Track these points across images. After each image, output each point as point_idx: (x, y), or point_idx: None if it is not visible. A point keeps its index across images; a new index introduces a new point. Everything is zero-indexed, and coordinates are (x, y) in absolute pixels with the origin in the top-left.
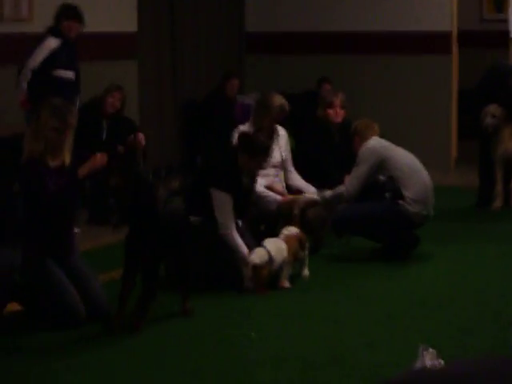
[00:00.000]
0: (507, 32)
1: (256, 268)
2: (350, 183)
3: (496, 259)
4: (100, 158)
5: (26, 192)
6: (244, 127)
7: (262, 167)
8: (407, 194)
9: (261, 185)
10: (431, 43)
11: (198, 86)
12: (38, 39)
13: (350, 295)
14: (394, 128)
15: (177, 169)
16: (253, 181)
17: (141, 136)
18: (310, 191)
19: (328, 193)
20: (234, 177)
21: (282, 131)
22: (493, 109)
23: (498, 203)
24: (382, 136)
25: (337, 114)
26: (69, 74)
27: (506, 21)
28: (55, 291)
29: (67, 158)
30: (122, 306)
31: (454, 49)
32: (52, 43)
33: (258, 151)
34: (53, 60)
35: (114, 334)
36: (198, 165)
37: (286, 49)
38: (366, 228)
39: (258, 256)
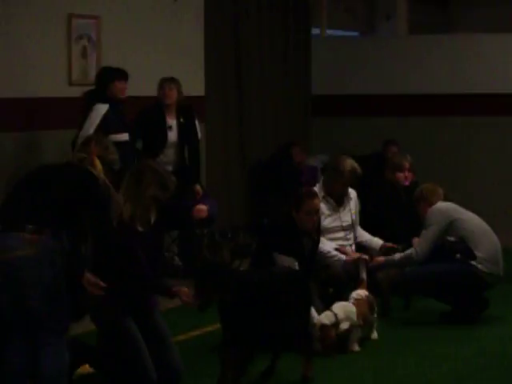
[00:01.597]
0: None
1: (323, 329)
2: (419, 246)
3: None
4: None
5: (116, 255)
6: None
7: (314, 221)
8: (479, 254)
9: (330, 247)
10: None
11: (265, 148)
12: (84, 106)
13: (418, 359)
14: (461, 188)
15: (243, 229)
16: (314, 241)
17: (200, 208)
18: (377, 244)
19: (397, 255)
20: (293, 239)
21: (352, 193)
22: None
23: None
24: (445, 199)
25: (406, 178)
26: (123, 137)
27: None
28: (130, 355)
29: (153, 219)
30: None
31: None
32: (102, 109)
33: (302, 199)
34: (105, 126)
35: None
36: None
37: (350, 111)
38: (437, 288)
39: (325, 317)
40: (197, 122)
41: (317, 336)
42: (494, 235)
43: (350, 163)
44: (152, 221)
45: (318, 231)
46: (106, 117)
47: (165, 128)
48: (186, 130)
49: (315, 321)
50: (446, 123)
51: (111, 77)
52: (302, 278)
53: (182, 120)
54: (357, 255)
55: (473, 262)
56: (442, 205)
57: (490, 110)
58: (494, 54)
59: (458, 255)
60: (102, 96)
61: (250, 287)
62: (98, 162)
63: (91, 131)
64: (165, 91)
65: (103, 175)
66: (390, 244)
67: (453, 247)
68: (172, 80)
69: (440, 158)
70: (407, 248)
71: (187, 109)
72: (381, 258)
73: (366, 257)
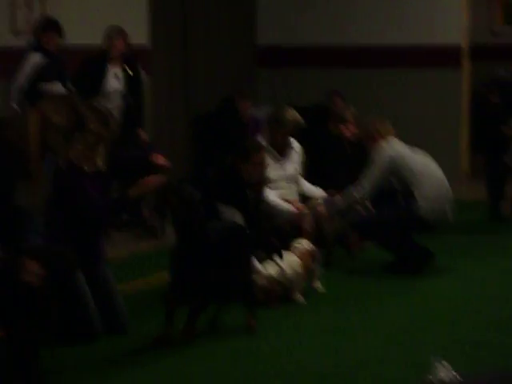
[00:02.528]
0: None
1: (268, 280)
2: (361, 182)
3: (509, 273)
4: (155, 181)
5: (65, 197)
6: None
7: (261, 172)
8: (420, 194)
9: (275, 197)
10: (441, 57)
11: (210, 99)
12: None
13: (362, 309)
14: (404, 141)
15: (188, 182)
16: (259, 192)
17: (160, 158)
18: (320, 195)
19: (337, 199)
20: (238, 190)
21: (295, 144)
22: None
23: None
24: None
25: (348, 130)
26: (57, 87)
27: None
28: (76, 307)
29: (100, 163)
30: (170, 322)
31: (465, 62)
32: (34, 59)
33: (250, 152)
34: (38, 75)
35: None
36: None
37: (297, 62)
38: (381, 234)
39: (270, 268)
40: (141, 71)
41: (262, 286)
42: (439, 175)
43: (291, 114)
44: (100, 166)
45: (263, 182)
46: (38, 66)
47: (107, 76)
48: (130, 79)
49: (260, 271)
50: (392, 74)
51: (41, 28)
52: (242, 232)
53: (127, 69)
54: (301, 207)
55: (416, 204)
56: (388, 143)
57: (440, 60)
58: (438, 5)
59: (399, 195)
60: (37, 46)
61: (209, 239)
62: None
63: (23, 80)
64: (113, 42)
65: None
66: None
67: (393, 190)
68: (120, 31)
69: (383, 111)
70: None
71: (132, 58)
72: (322, 209)
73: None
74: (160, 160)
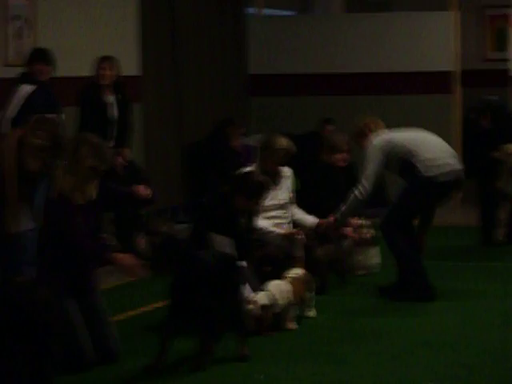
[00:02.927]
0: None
1: (262, 309)
2: (361, 184)
3: (500, 298)
4: (143, 191)
5: (55, 229)
6: (250, 169)
7: (258, 207)
8: (415, 159)
9: (267, 224)
10: (432, 83)
11: (202, 128)
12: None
13: (355, 335)
14: None
15: (182, 209)
16: (252, 221)
17: (142, 189)
18: (312, 223)
19: (342, 207)
20: (230, 219)
21: (288, 172)
22: None
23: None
24: None
25: (343, 159)
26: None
27: (507, 60)
28: (68, 336)
29: (94, 194)
30: (164, 351)
31: (457, 88)
32: (25, 90)
33: (254, 191)
34: (30, 107)
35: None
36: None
37: (288, 90)
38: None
39: (262, 296)
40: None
41: (256, 315)
42: (436, 139)
43: (282, 141)
44: (93, 195)
45: (257, 212)
46: (31, 98)
47: (103, 106)
48: (122, 106)
49: (252, 300)
50: (383, 101)
51: (32, 58)
52: (232, 262)
53: (119, 96)
54: (293, 232)
55: (419, 170)
56: (376, 139)
57: (431, 87)
58: (430, 31)
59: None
60: (29, 77)
61: (201, 266)
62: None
63: (15, 112)
64: (102, 72)
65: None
66: (325, 220)
67: None
68: (109, 60)
69: None
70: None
71: (123, 85)
72: (330, 219)
73: (301, 235)
74: (142, 191)
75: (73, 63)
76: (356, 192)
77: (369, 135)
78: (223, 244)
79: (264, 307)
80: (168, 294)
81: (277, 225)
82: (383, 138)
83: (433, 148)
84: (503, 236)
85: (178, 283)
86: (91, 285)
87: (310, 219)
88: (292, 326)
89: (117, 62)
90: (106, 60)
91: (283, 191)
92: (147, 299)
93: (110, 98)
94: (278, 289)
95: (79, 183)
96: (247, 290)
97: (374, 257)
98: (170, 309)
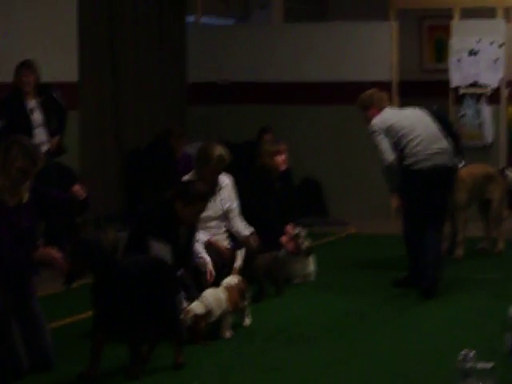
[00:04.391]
0: (447, 82)
1: (195, 319)
2: (383, 153)
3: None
4: (79, 191)
5: None
6: (187, 177)
7: (199, 217)
8: (406, 152)
9: (202, 241)
10: None
11: (141, 136)
12: None
13: (290, 344)
14: (334, 177)
15: (117, 218)
16: (192, 230)
17: (77, 188)
18: (246, 234)
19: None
20: (170, 228)
21: (226, 180)
22: None
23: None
24: None
25: (283, 162)
26: None
27: (446, 70)
28: (1, 343)
29: (25, 196)
30: (96, 358)
31: (395, 98)
32: None
33: (195, 200)
34: None
35: None
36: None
37: (227, 99)
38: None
39: (197, 306)
40: (59, 99)
41: (189, 325)
42: (430, 131)
43: (217, 149)
44: (25, 198)
45: (197, 223)
46: None
47: (26, 112)
48: (48, 107)
49: (186, 309)
50: (321, 111)
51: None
52: (163, 266)
53: (42, 98)
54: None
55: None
56: (377, 117)
57: None
58: (368, 41)
59: None
60: None
61: (124, 274)
62: None
63: None
64: (21, 78)
65: None
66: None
67: None
68: (29, 64)
69: (314, 147)
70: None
71: (45, 87)
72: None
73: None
74: (78, 191)
75: (9, 69)
76: (383, 161)
77: (371, 110)
78: (162, 251)
79: (199, 316)
80: (91, 301)
81: (212, 234)
82: (384, 121)
83: (422, 142)
84: (444, 251)
85: (97, 289)
86: (29, 292)
87: (245, 232)
88: (228, 334)
89: (36, 65)
90: (25, 65)
91: (219, 202)
92: (83, 306)
93: (33, 103)
94: (214, 297)
95: (9, 185)
96: (183, 299)
97: (309, 265)
98: (94, 315)
